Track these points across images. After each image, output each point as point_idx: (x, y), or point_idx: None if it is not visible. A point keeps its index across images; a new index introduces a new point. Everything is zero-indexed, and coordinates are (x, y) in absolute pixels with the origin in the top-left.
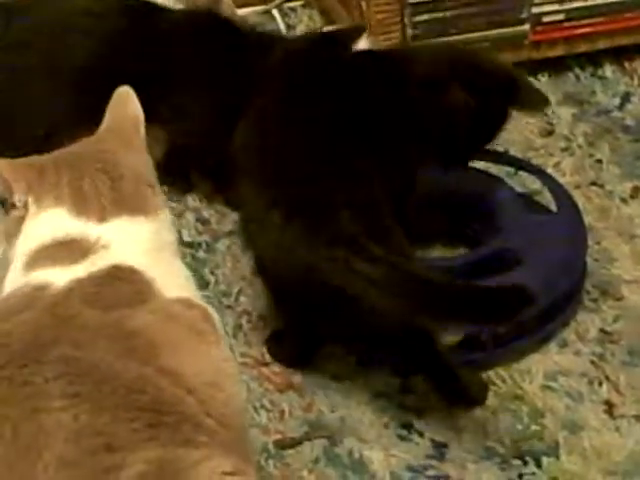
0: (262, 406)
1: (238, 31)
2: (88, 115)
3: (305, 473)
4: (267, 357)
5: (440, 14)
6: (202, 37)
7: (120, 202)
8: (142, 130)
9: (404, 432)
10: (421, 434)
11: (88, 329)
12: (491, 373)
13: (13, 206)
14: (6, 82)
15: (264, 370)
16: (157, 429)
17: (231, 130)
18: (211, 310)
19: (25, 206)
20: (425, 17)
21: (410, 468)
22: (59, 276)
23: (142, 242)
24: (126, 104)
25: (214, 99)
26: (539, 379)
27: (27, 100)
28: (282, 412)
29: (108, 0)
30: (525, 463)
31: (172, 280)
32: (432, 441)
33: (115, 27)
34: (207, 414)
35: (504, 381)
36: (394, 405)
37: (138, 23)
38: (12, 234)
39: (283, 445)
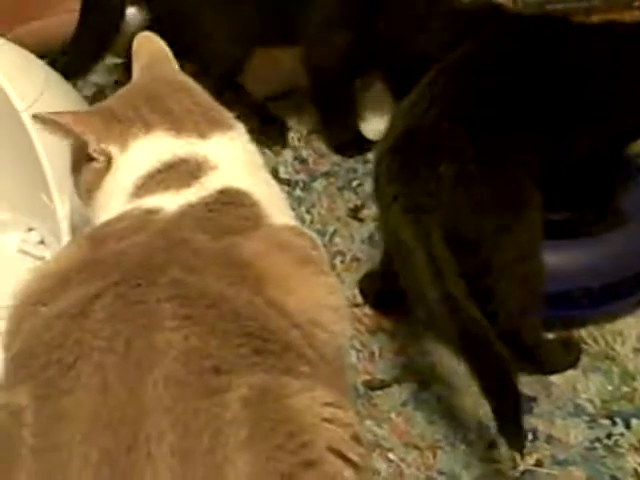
0: (352, 346)
1: None
2: None
3: (393, 415)
4: (359, 298)
5: None
6: None
7: (209, 118)
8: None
9: None
10: None
11: (200, 254)
12: (583, 333)
13: (90, 159)
14: None
15: (356, 311)
16: (263, 356)
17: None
18: (316, 238)
19: (103, 154)
20: None
21: None
22: (170, 201)
23: (241, 160)
24: (151, 43)
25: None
26: (632, 341)
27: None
28: (372, 353)
29: None
30: (614, 423)
31: (275, 203)
32: (522, 394)
33: None
34: (310, 346)
35: (596, 341)
36: None
37: None
38: (92, 188)
39: (372, 386)
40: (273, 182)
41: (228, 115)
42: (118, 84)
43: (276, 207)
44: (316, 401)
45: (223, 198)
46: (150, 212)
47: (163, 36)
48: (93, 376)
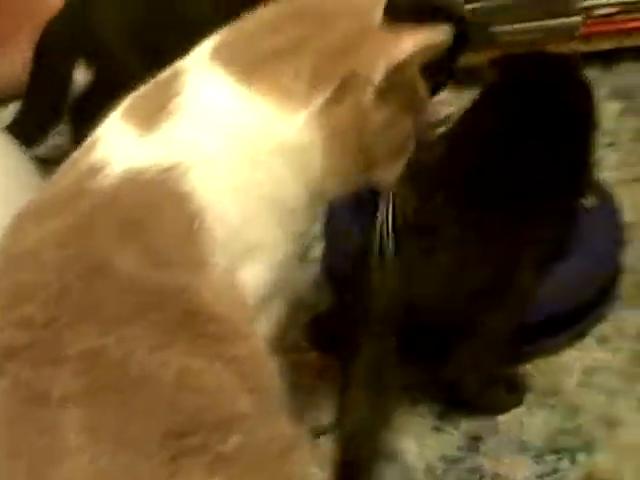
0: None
1: None
2: None
3: None
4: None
5: (494, 2)
6: None
7: None
8: None
9: (439, 423)
10: (456, 426)
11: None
12: (529, 367)
13: None
14: None
15: (301, 354)
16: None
17: None
18: None
19: None
20: (478, 5)
21: (444, 459)
22: (120, 155)
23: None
24: None
25: None
26: (577, 375)
27: None
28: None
29: None
30: (560, 458)
31: None
32: (467, 433)
33: None
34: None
35: (543, 375)
36: (429, 396)
37: None
38: None
39: (317, 432)
40: None
41: None
42: None
43: None
44: None
45: None
46: (91, 171)
47: (109, 95)
48: None
